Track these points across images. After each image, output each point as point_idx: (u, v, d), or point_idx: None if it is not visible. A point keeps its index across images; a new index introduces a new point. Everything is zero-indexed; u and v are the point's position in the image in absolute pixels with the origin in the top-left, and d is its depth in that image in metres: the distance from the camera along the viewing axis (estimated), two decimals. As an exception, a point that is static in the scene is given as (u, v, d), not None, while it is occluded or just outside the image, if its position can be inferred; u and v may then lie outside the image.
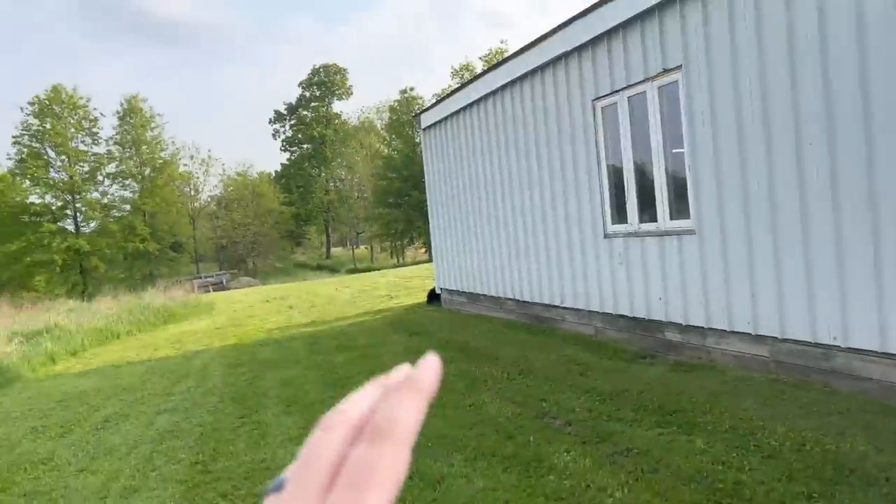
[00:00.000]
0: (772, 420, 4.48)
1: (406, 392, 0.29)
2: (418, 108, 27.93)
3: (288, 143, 55.96)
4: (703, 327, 6.38)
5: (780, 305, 5.51)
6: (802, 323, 5.32)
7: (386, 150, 51.29)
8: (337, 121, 55.69)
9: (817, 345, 5.23)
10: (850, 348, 4.97)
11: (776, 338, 5.59)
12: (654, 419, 4.78)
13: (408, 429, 0.28)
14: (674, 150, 6.68)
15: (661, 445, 4.26)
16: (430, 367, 0.30)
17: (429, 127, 12.56)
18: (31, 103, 41.02)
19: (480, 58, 48.70)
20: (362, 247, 60.82)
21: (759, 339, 5.77)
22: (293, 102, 55.60)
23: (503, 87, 9.53)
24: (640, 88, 6.90)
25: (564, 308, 8.65)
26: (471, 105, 10.62)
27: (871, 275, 4.76)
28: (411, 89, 52.14)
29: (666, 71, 6.48)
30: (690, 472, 3.81)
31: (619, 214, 7.50)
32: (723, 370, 5.92)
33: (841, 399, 4.79)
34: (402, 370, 0.31)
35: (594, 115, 7.64)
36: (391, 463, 0.27)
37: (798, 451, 3.93)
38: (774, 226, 5.50)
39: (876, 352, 4.79)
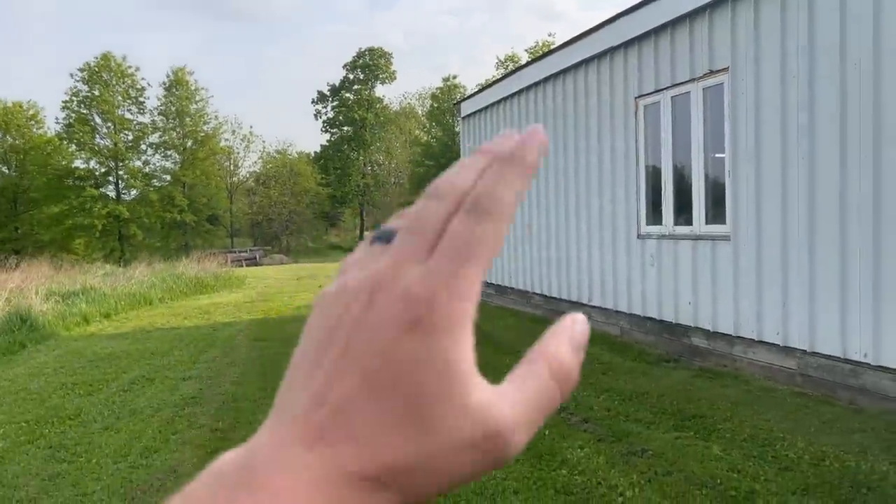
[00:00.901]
0: (792, 433, 4.41)
1: (510, 167, 0.30)
2: (460, 97, 27.83)
3: (329, 125, 56.30)
4: (730, 335, 6.29)
5: (812, 318, 5.40)
6: (833, 337, 5.21)
7: (425, 138, 51.33)
8: (378, 105, 55.83)
9: (847, 360, 5.12)
10: (880, 366, 4.86)
11: (805, 351, 5.49)
12: (672, 423, 4.73)
13: (509, 207, 0.29)
14: (714, 154, 6.58)
15: (676, 449, 4.22)
16: (534, 138, 0.31)
17: (469, 115, 12.54)
18: (82, 70, 41.87)
19: (526, 50, 48.35)
20: (395, 232, 61.00)
21: (788, 350, 5.67)
22: (336, 84, 55.93)
23: (546, 80, 9.47)
24: (684, 88, 6.79)
25: (591, 306, 8.59)
26: (512, 96, 10.57)
27: (909, 293, 4.64)
28: (454, 77, 52.06)
29: (712, 72, 6.37)
30: (704, 477, 3.78)
31: (654, 215, 7.41)
32: (748, 379, 5.84)
33: (867, 417, 4.68)
34: (508, 138, 0.31)
35: (636, 112, 7.55)
36: (491, 238, 0.28)
37: (816, 466, 3.87)
38: (811, 238, 5.38)
39: (907, 372, 4.67)
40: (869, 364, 4.93)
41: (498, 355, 7.31)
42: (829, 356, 5.27)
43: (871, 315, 4.89)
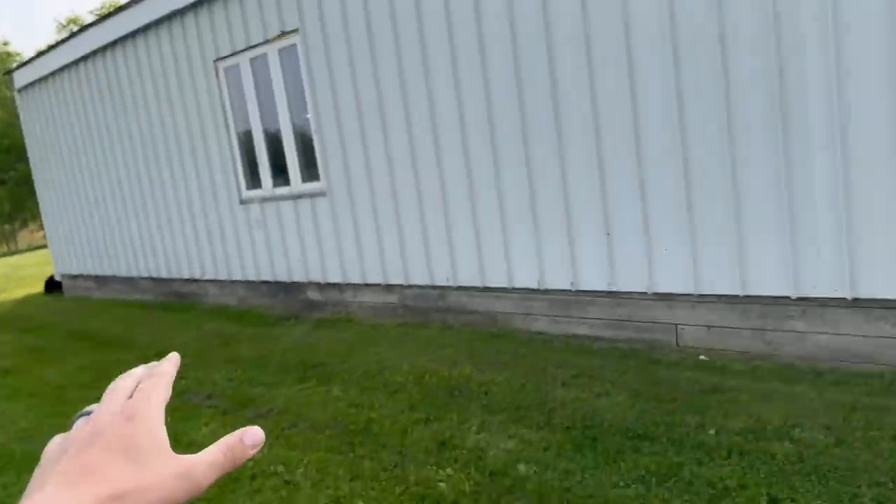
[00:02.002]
0: (398, 360, 4.92)
1: (165, 363, 0.54)
2: (15, 66, 23.36)
3: None
4: (340, 283, 6.69)
5: (404, 255, 6.03)
6: (422, 270, 5.91)
7: (-21, 117, 42.70)
8: None
9: (434, 287, 5.87)
10: (459, 287, 5.68)
11: (402, 285, 6.13)
12: (294, 377, 4.88)
13: (170, 375, 0.53)
14: (304, 115, 6.77)
15: (300, 401, 4.38)
16: (172, 358, 0.55)
17: (26, 87, 10.79)
18: None
19: (92, 11, 43.14)
20: (-42, 235, 50.22)
21: (389, 288, 6.26)
22: None
23: (114, 44, 8.59)
24: (261, 50, 6.81)
25: (207, 281, 8.30)
26: (77, 62, 9.37)
27: (470, 220, 5.47)
28: (5, 44, 43.99)
29: (284, 33, 6.49)
30: (326, 420, 3.99)
31: (253, 179, 7.39)
32: (359, 321, 6.31)
33: (454, 332, 5.46)
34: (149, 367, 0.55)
35: (217, 76, 7.35)
36: (163, 385, 0.51)
37: (418, 384, 4.39)
38: (394, 188, 5.95)
39: (478, 287, 5.55)
40: (451, 286, 5.73)
41: (105, 351, 6.63)
42: (422, 286, 5.98)
43: (448, 247, 5.66)
